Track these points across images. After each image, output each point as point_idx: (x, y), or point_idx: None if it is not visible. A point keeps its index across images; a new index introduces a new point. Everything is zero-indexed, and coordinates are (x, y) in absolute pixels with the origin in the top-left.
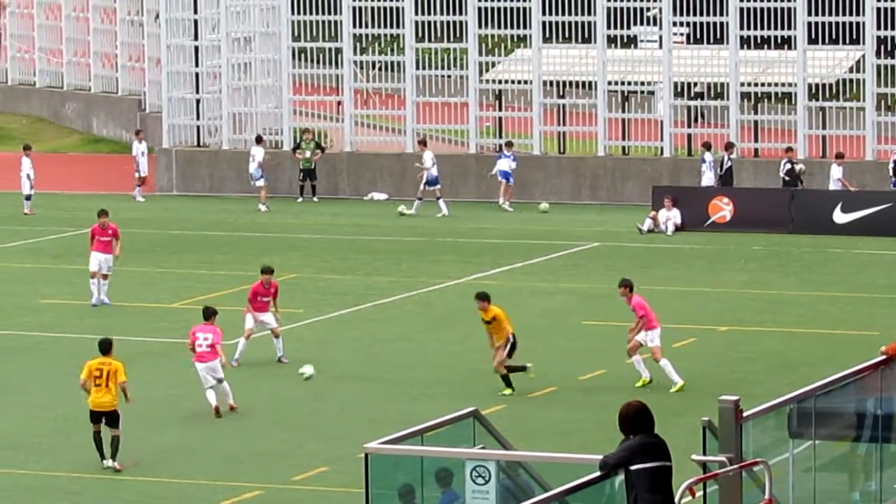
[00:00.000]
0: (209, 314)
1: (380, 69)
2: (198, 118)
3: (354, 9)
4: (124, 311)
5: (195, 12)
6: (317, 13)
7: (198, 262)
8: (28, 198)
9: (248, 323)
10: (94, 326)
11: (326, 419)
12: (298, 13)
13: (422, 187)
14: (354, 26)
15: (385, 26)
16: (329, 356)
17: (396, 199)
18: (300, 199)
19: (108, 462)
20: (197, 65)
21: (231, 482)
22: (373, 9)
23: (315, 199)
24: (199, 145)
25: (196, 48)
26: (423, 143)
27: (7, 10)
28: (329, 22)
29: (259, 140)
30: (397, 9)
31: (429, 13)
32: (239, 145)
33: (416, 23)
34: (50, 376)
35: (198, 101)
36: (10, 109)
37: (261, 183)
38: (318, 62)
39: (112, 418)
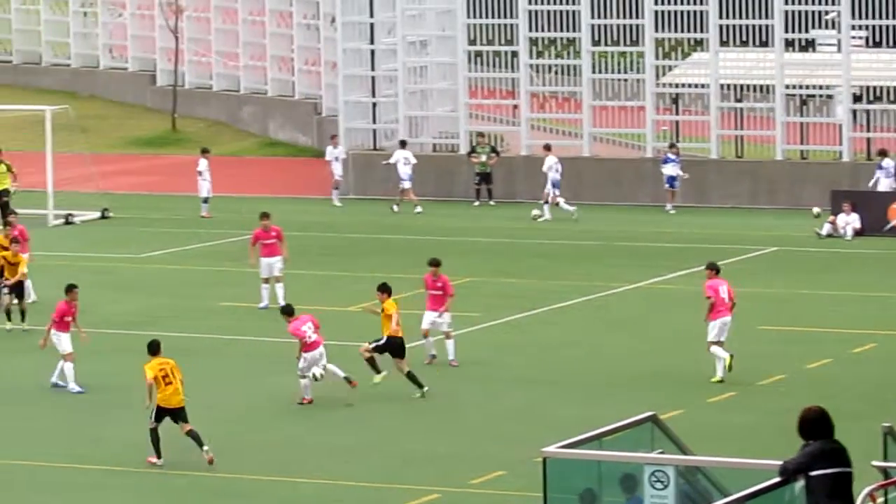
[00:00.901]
0: (291, 311)
1: (556, 73)
2: (374, 122)
3: (531, 12)
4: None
5: (371, 16)
6: (493, 17)
7: (374, 265)
8: (205, 201)
9: (424, 322)
10: (271, 329)
11: (502, 422)
12: (474, 17)
13: (548, 190)
14: (531, 30)
15: (561, 30)
16: (504, 360)
17: (574, 203)
18: (476, 203)
19: (206, 448)
20: (373, 68)
21: (408, 485)
22: (549, 12)
23: (492, 202)
24: (375, 149)
25: (372, 52)
26: (547, 147)
27: (184, 14)
28: (505, 25)
29: (403, 144)
30: (574, 12)
31: (606, 17)
32: (415, 149)
33: (593, 26)
34: (225, 377)
35: (374, 105)
36: (187, 113)
37: (407, 185)
38: (494, 65)
39: (182, 415)
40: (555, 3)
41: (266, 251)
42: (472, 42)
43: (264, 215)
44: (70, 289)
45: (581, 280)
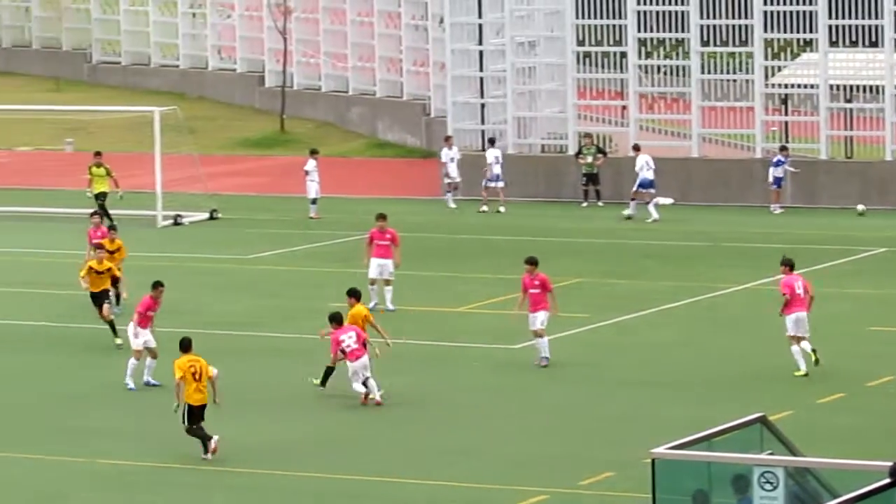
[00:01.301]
0: (339, 319)
1: (664, 73)
2: (482, 122)
3: (639, 13)
4: (406, 315)
5: (480, 17)
6: (601, 17)
7: (481, 266)
8: (314, 202)
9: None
10: (372, 331)
11: (610, 423)
12: (583, 17)
13: (635, 189)
14: (639, 30)
15: (670, 30)
16: (612, 361)
17: (681, 204)
18: (584, 204)
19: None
20: (481, 69)
21: (517, 486)
22: (658, 13)
23: (600, 203)
24: (483, 149)
25: (480, 52)
26: (637, 148)
27: (293, 15)
28: (614, 26)
29: (493, 142)
30: (682, 13)
31: (714, 17)
32: (524, 150)
33: (702, 27)
34: (334, 379)
35: (482, 106)
36: (295, 114)
37: (499, 184)
38: (602, 66)
39: (202, 415)
40: (663, 4)
41: (378, 252)
42: (580, 43)
43: (381, 216)
44: (156, 285)
45: (689, 281)
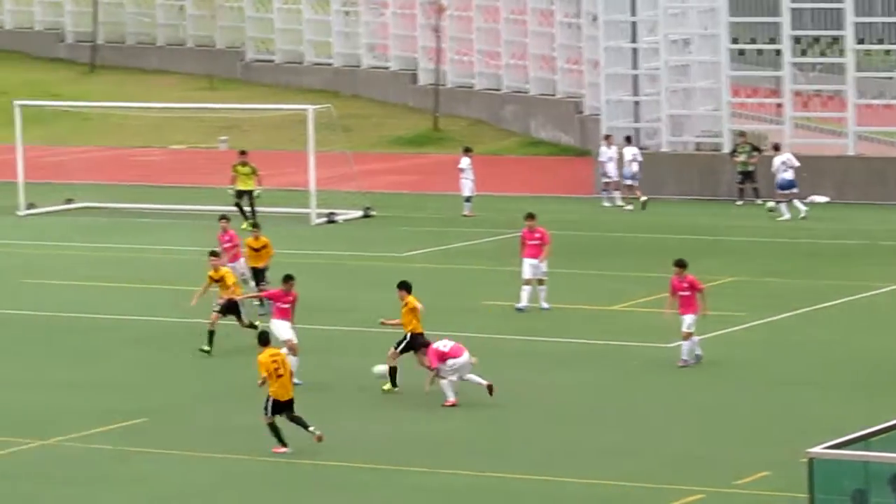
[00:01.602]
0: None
1: (820, 71)
2: (636, 121)
3: (794, 10)
4: (559, 312)
5: (633, 14)
6: (756, 14)
7: (635, 265)
8: (468, 200)
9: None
10: (529, 328)
11: (766, 423)
12: (737, 14)
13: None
14: (794, 28)
15: (825, 28)
16: (767, 360)
17: (837, 203)
18: (739, 203)
19: (313, 430)
20: (635, 67)
21: (672, 485)
22: (813, 11)
23: (758, 200)
24: (639, 147)
25: (634, 50)
26: (776, 147)
27: (446, 12)
28: (768, 24)
29: (629, 140)
30: (837, 10)
31: (870, 14)
32: (678, 148)
33: (857, 24)
34: (487, 375)
35: (636, 104)
36: (449, 112)
37: (632, 182)
38: (757, 64)
39: (290, 407)
40: (819, 1)
41: (529, 252)
42: (734, 40)
43: (529, 216)
44: (286, 279)
45: (845, 280)
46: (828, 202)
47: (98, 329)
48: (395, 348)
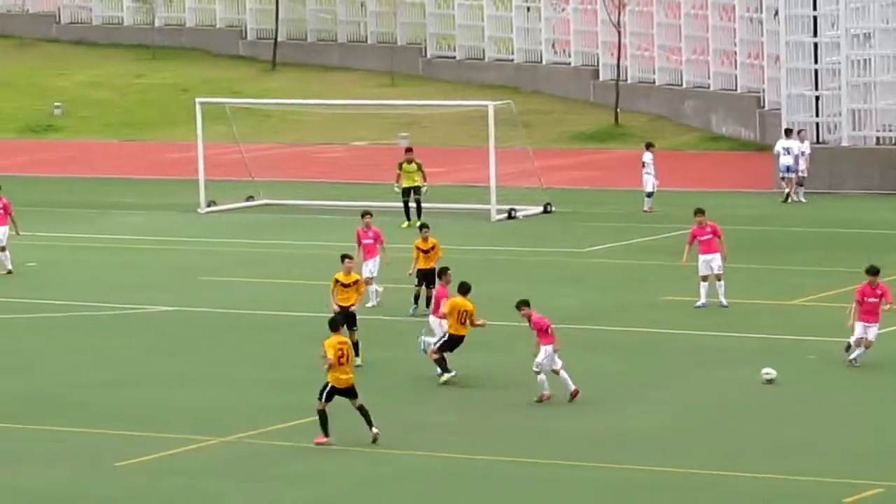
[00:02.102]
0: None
1: None
2: (816, 115)
3: None
4: (737, 308)
5: (814, 9)
6: None
7: (815, 259)
8: (649, 195)
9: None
10: (709, 324)
11: None
12: None
13: None
14: None
15: None
16: None
17: None
18: None
19: (373, 430)
20: (816, 61)
21: (852, 479)
22: None
23: None
24: (818, 142)
25: (815, 45)
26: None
27: (627, 8)
28: None
29: (789, 133)
30: None
31: None
32: (858, 142)
33: None
34: (668, 372)
35: (817, 98)
36: (629, 107)
37: (790, 175)
38: None
39: (353, 393)
40: None
41: (703, 248)
42: None
43: (699, 211)
44: (443, 272)
45: None
46: None
47: (277, 325)
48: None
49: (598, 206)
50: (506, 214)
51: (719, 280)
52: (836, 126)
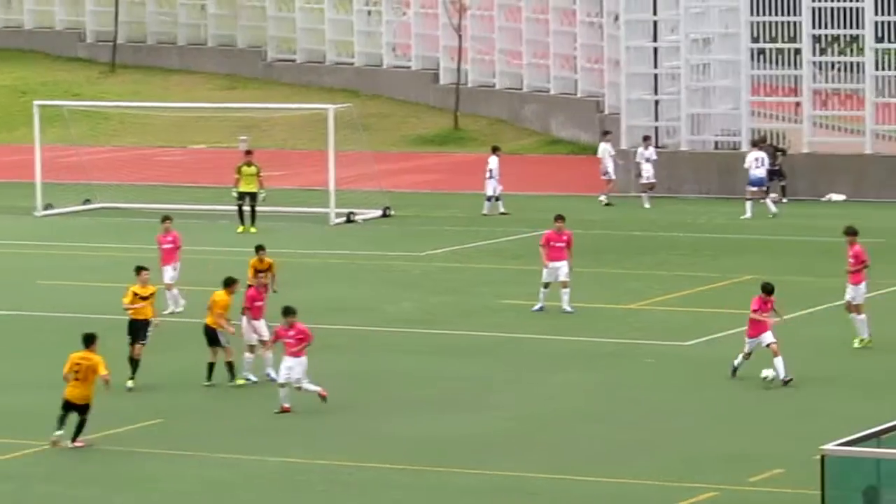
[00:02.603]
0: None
1: (839, 70)
2: (656, 119)
3: (814, 9)
4: (581, 312)
5: (654, 14)
6: (776, 14)
7: (655, 263)
8: (493, 198)
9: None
10: (549, 328)
11: (782, 421)
12: (758, 14)
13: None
14: (814, 27)
15: (845, 27)
16: (785, 357)
17: (854, 200)
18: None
19: (64, 437)
20: (656, 66)
21: (688, 483)
22: (832, 9)
23: (784, 199)
24: (657, 146)
25: (655, 49)
26: (754, 143)
27: (468, 12)
28: (788, 23)
29: (761, 143)
30: (857, 9)
31: (889, 13)
32: (697, 146)
33: (876, 23)
34: (507, 375)
35: (656, 103)
36: (469, 111)
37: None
38: (776, 63)
39: (82, 409)
40: (838, 0)
41: (553, 255)
42: (755, 39)
43: (559, 217)
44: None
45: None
46: (845, 200)
47: (112, 329)
48: None
49: (438, 209)
50: (345, 218)
51: (565, 287)
52: (675, 130)
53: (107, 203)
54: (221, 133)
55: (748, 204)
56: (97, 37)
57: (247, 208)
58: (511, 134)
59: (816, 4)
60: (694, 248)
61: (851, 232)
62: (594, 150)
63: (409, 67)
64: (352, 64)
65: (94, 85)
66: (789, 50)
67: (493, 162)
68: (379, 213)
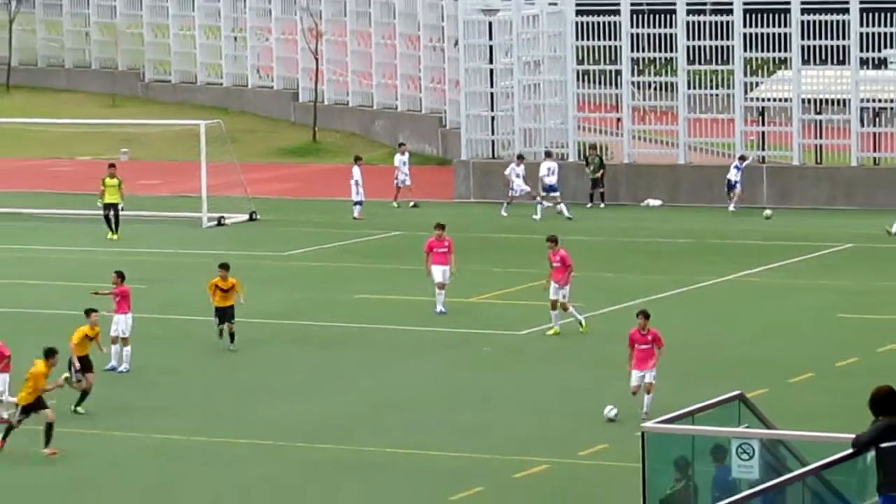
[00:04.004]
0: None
1: (655, 89)
2: (492, 133)
3: (632, 35)
4: (425, 304)
5: (490, 39)
6: (599, 39)
7: (493, 261)
8: (358, 203)
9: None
10: (399, 319)
11: (608, 402)
12: (582, 39)
13: (539, 192)
14: (632, 50)
15: (660, 50)
16: (609, 347)
17: (670, 205)
18: (589, 205)
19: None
20: (492, 85)
21: (522, 456)
22: (649, 35)
23: (602, 205)
24: (493, 157)
25: (491, 71)
26: (547, 154)
27: (324, 38)
28: (610, 47)
29: (549, 154)
30: (671, 35)
31: (699, 39)
32: (529, 157)
33: (688, 47)
34: (363, 362)
35: (492, 119)
36: (326, 126)
37: (555, 194)
38: (599, 83)
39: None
40: (654, 27)
41: (438, 259)
42: (580, 62)
43: (439, 226)
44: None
45: (678, 274)
46: (661, 205)
47: (4, 320)
48: None
49: (299, 214)
50: (216, 222)
51: (441, 289)
52: (509, 143)
53: (2, 208)
54: (104, 145)
55: (538, 207)
56: None
57: (112, 216)
58: (363, 146)
59: (634, 31)
60: (522, 248)
61: (553, 239)
62: (437, 161)
63: (271, 87)
64: (221, 84)
65: None
66: (610, 71)
67: (356, 172)
68: (246, 216)
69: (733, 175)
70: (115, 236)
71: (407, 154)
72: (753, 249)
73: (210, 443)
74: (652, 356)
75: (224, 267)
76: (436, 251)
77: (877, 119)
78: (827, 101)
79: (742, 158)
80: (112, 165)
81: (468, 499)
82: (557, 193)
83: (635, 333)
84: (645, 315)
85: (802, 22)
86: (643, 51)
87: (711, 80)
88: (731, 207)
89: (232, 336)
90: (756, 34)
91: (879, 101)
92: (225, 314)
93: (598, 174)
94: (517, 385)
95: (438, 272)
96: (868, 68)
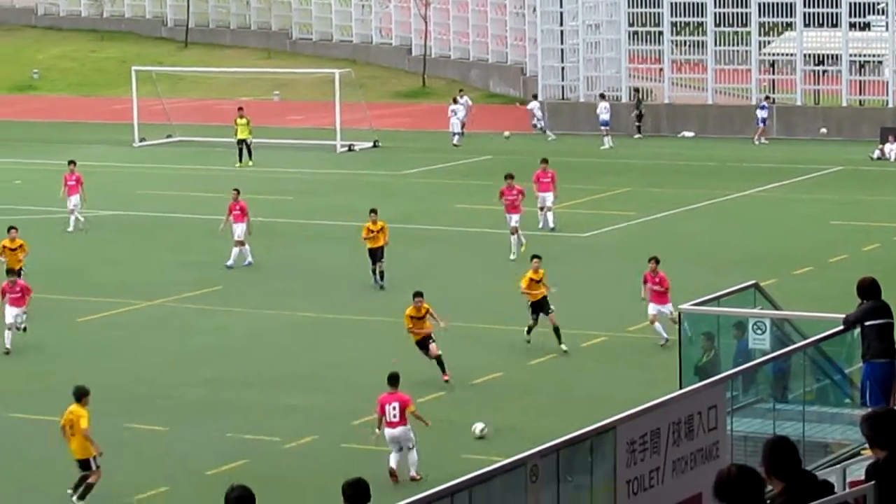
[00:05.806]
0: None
1: (689, 46)
2: (562, 80)
3: (672, 3)
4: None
5: (561, 6)
6: (645, 7)
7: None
8: (460, 134)
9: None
10: (496, 223)
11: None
12: (633, 7)
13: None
14: (672, 16)
15: (693, 16)
16: (651, 246)
17: (700, 136)
18: (637, 136)
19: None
20: (562, 42)
21: (585, 331)
22: (684, 3)
23: (640, 135)
24: (563, 99)
25: (561, 31)
26: (602, 96)
27: (431, 5)
28: (654, 13)
29: (535, 97)
30: (702, 3)
31: (723, 7)
32: (591, 99)
33: (715, 14)
34: (464, 261)
35: (562, 69)
36: (433, 74)
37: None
38: (646, 41)
39: (80, 464)
40: None
41: (542, 188)
42: (630, 25)
43: (544, 160)
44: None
45: (706, 189)
46: (693, 136)
47: (189, 226)
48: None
49: (412, 142)
50: (347, 148)
51: (550, 210)
52: (575, 87)
53: (183, 137)
54: (262, 89)
55: (605, 139)
56: (174, 22)
57: (244, 148)
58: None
59: (673, 0)
60: (587, 169)
61: (509, 175)
62: (519, 101)
63: (390, 44)
64: (351, 41)
65: (172, 56)
66: (655, 32)
67: (455, 105)
68: (370, 144)
69: (761, 113)
70: (243, 164)
71: (538, 102)
72: (765, 171)
73: (342, 319)
74: (665, 297)
75: (374, 211)
76: (542, 181)
77: (862, 70)
78: (823, 55)
79: (767, 98)
80: (241, 108)
81: (545, 363)
82: (607, 127)
83: (648, 275)
84: (655, 260)
85: None
86: (680, 16)
87: (733, 39)
88: (757, 141)
89: (381, 274)
90: (768, 3)
91: (864, 55)
92: (376, 255)
93: (642, 110)
94: (580, 275)
95: (541, 197)
96: (856, 30)
